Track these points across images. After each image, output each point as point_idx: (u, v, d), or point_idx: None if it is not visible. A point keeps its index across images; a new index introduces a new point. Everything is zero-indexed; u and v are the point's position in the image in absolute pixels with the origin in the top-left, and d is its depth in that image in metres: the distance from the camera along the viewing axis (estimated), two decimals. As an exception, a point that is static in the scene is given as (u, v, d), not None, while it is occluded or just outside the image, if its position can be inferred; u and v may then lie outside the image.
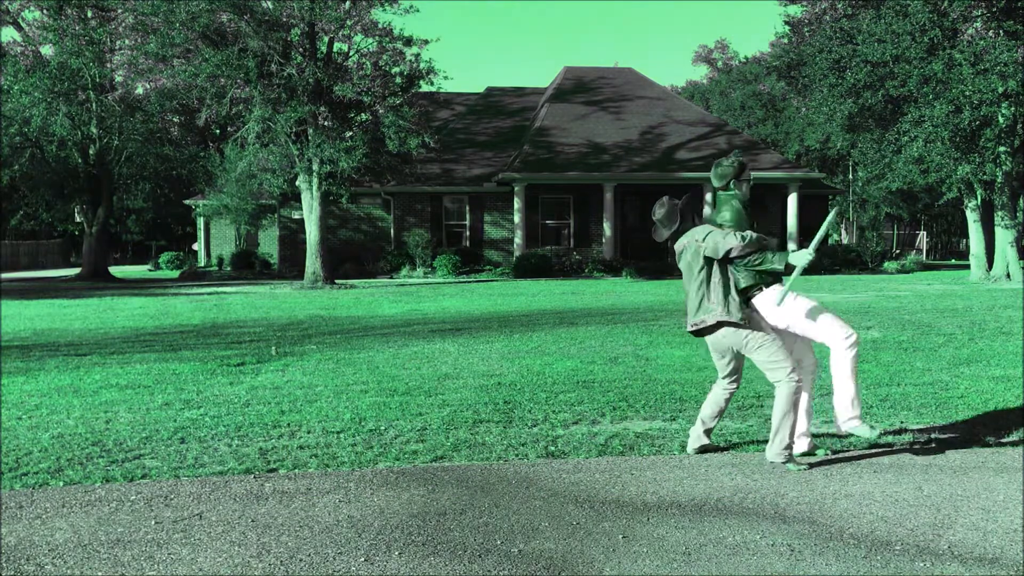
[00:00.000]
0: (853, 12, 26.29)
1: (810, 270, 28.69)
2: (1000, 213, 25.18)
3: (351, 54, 25.25)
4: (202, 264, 37.58)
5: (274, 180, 26.18)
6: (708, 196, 29.56)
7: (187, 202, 38.46)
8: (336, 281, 25.49)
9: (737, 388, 5.51)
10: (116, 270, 35.73)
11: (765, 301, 5.30)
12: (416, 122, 24.66)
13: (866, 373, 8.49)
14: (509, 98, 36.69)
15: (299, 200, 26.81)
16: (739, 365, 5.42)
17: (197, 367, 9.18)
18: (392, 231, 30.69)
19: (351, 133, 24.90)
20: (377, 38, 24.86)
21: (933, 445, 5.72)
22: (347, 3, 23.90)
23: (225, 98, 25.30)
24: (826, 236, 5.94)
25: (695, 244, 5.29)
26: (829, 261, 30.03)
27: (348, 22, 23.98)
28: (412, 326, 13.27)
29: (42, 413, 6.88)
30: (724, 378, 5.46)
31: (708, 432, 5.55)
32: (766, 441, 5.82)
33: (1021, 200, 25.76)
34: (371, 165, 25.18)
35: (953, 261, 43.07)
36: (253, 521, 4.31)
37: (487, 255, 30.69)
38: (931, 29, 23.10)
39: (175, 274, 33.80)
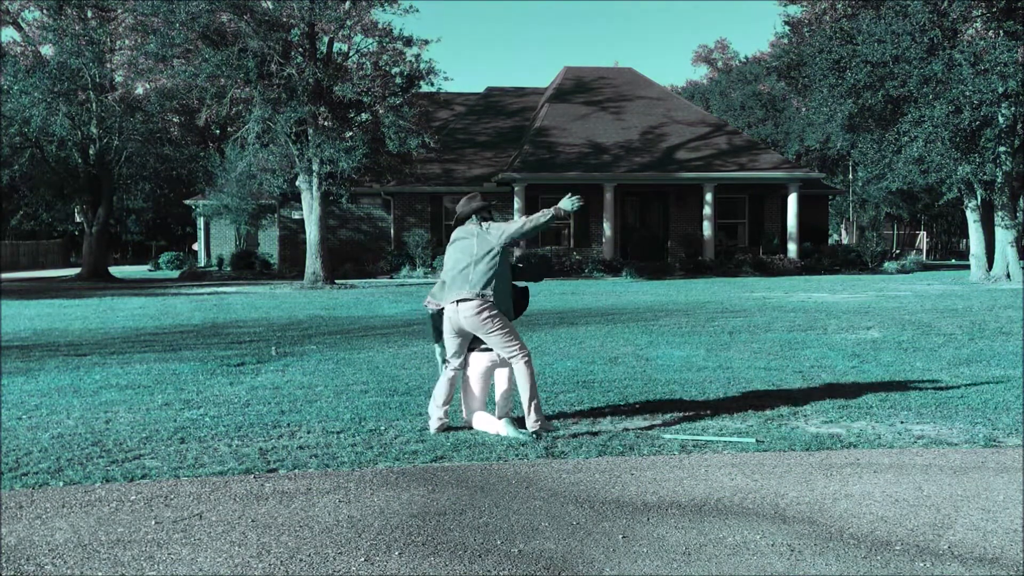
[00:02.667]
0: (853, 12, 26.29)
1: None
2: (1000, 213, 25.18)
3: (351, 54, 25.26)
4: (202, 264, 37.55)
5: (274, 180, 26.17)
6: (708, 196, 29.58)
7: (187, 202, 38.44)
8: (336, 281, 25.50)
9: (459, 374, 6.20)
10: (116, 270, 35.73)
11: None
12: (416, 122, 24.66)
13: (866, 373, 8.49)
14: (509, 98, 36.68)
15: (299, 200, 26.82)
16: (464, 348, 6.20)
17: (197, 367, 9.18)
18: (392, 231, 30.69)
19: (351, 133, 24.90)
20: (377, 38, 24.87)
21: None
22: (347, 3, 23.91)
23: (225, 98, 25.32)
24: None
25: (476, 232, 6.15)
26: (829, 261, 30.03)
27: (348, 22, 23.98)
28: (412, 326, 13.27)
29: (42, 413, 6.88)
30: (453, 357, 6.18)
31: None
32: (764, 440, 5.82)
33: (1021, 200, 25.76)
34: (371, 165, 25.18)
35: (953, 261, 43.08)
36: (253, 521, 4.31)
37: (487, 255, 30.65)
38: (931, 29, 23.10)
39: (175, 274, 33.79)
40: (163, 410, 6.96)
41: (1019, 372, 8.45)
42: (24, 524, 4.29)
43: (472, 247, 6.11)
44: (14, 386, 8.12)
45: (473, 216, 6.30)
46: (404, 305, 17.37)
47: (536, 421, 6.01)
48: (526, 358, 6.04)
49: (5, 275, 34.64)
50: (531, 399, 6.00)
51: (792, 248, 29.93)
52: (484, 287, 6.01)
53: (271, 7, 24.01)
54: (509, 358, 6.05)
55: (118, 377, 8.57)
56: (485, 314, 5.97)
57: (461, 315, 5.99)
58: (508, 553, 3.87)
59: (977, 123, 22.79)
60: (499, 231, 6.10)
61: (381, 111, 24.52)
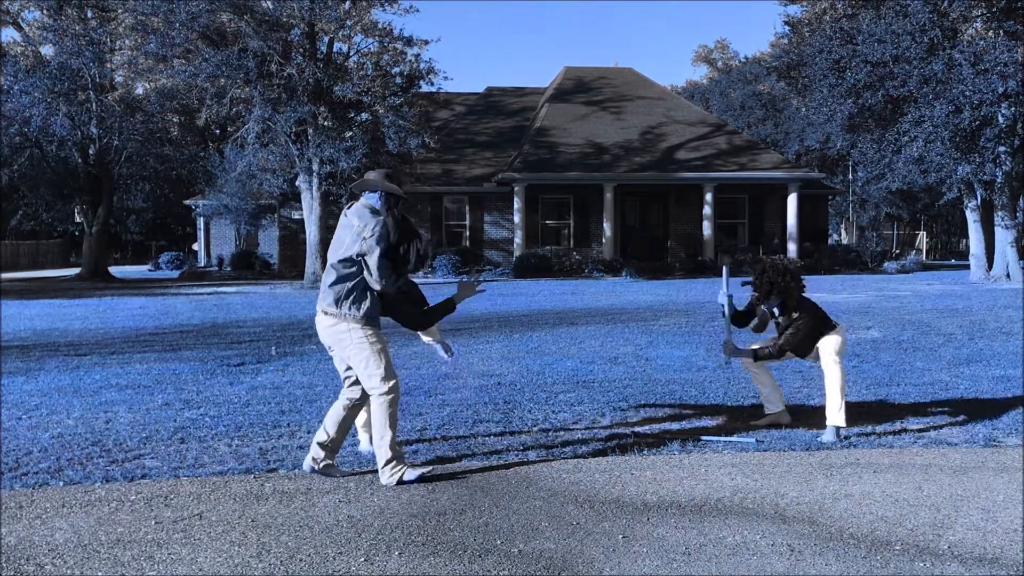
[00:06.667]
0: (853, 12, 26.28)
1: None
2: (1000, 213, 25.17)
3: (351, 54, 25.28)
4: (202, 264, 37.55)
5: (274, 180, 26.17)
6: (708, 196, 29.56)
7: (187, 202, 38.44)
8: (336, 281, 25.50)
9: (361, 398, 4.98)
10: (116, 270, 35.70)
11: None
12: (416, 122, 24.69)
13: (866, 373, 8.49)
14: (509, 98, 36.66)
15: (299, 200, 26.83)
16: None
17: (197, 367, 9.18)
18: (392, 231, 30.65)
19: (351, 133, 24.92)
20: (377, 38, 24.91)
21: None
22: (347, 3, 23.92)
23: (225, 98, 25.31)
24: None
25: (357, 226, 4.91)
26: (829, 261, 30.02)
27: (348, 22, 24.01)
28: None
29: (42, 413, 6.88)
30: (346, 385, 5.02)
31: (331, 450, 4.98)
32: (764, 440, 5.81)
33: (1021, 200, 25.74)
34: (371, 165, 25.19)
35: (953, 261, 43.06)
36: (253, 521, 4.31)
37: (487, 255, 30.68)
38: (931, 29, 23.09)
39: (175, 274, 33.77)
40: (163, 410, 6.96)
41: (1019, 372, 8.44)
42: (24, 524, 4.29)
43: (343, 239, 4.97)
44: (14, 386, 8.12)
45: (375, 194, 5.00)
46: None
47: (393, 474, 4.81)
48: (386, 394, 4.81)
49: (5, 275, 34.63)
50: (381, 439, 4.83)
51: (792, 248, 29.90)
52: (338, 304, 4.86)
53: (271, 7, 24.03)
54: (368, 390, 4.90)
55: (118, 377, 8.56)
56: (343, 326, 4.85)
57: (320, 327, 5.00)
58: (508, 553, 3.86)
59: (977, 123, 22.78)
60: (368, 239, 4.84)
61: (381, 111, 24.54)
